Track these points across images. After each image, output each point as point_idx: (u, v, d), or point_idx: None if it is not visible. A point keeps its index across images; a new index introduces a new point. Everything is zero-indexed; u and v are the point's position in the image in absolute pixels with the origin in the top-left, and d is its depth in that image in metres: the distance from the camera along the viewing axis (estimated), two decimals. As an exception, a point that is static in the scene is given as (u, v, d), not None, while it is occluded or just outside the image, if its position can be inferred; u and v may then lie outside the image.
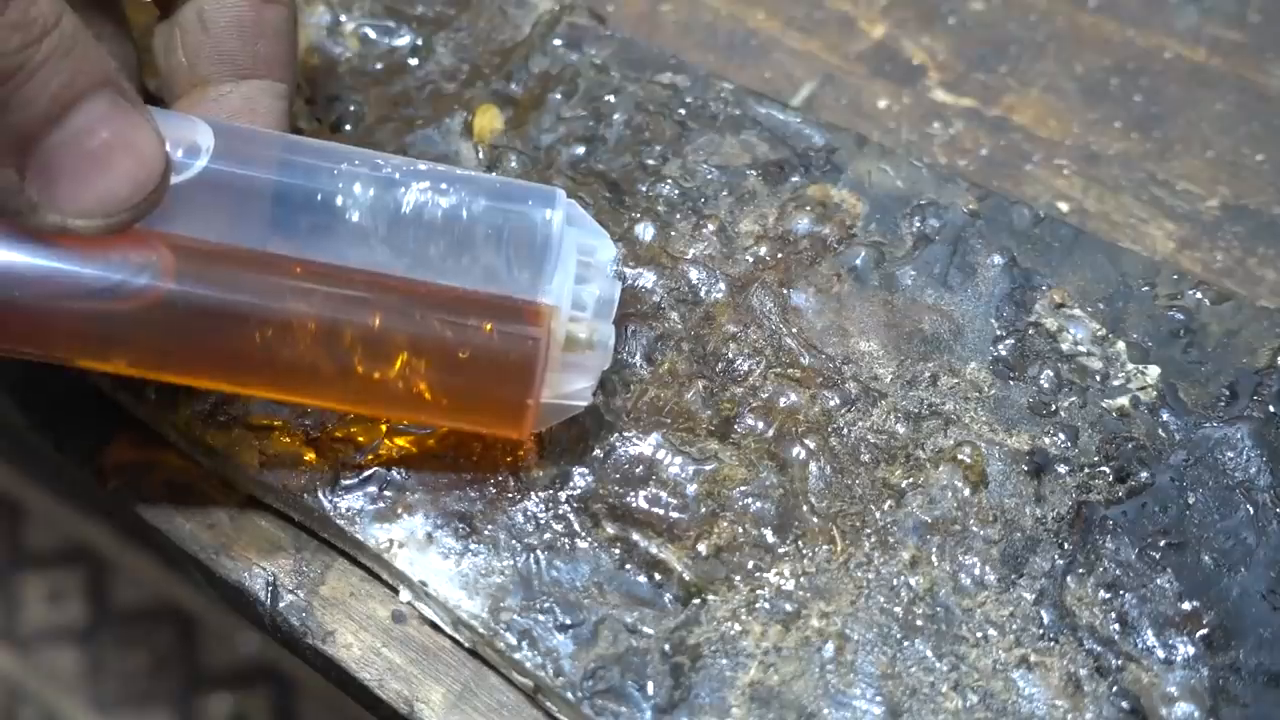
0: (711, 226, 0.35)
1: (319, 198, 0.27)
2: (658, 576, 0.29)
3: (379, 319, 0.28)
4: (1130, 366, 0.32)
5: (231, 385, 0.29)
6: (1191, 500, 0.30)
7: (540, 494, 0.31)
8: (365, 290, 0.28)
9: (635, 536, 0.30)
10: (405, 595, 0.31)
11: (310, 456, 0.31)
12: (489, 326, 0.28)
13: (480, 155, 0.37)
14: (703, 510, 0.30)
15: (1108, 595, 0.29)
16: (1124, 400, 0.32)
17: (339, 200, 0.28)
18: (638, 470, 0.31)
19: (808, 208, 0.35)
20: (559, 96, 0.38)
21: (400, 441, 0.31)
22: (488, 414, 0.29)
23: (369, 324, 0.28)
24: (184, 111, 0.29)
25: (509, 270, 0.28)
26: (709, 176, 0.36)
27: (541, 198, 0.29)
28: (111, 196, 0.25)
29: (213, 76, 0.30)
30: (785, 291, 0.34)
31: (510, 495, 0.31)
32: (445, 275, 0.28)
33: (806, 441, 0.31)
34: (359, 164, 0.28)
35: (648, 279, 0.34)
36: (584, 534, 0.30)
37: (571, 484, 0.31)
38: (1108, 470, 0.31)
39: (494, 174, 0.35)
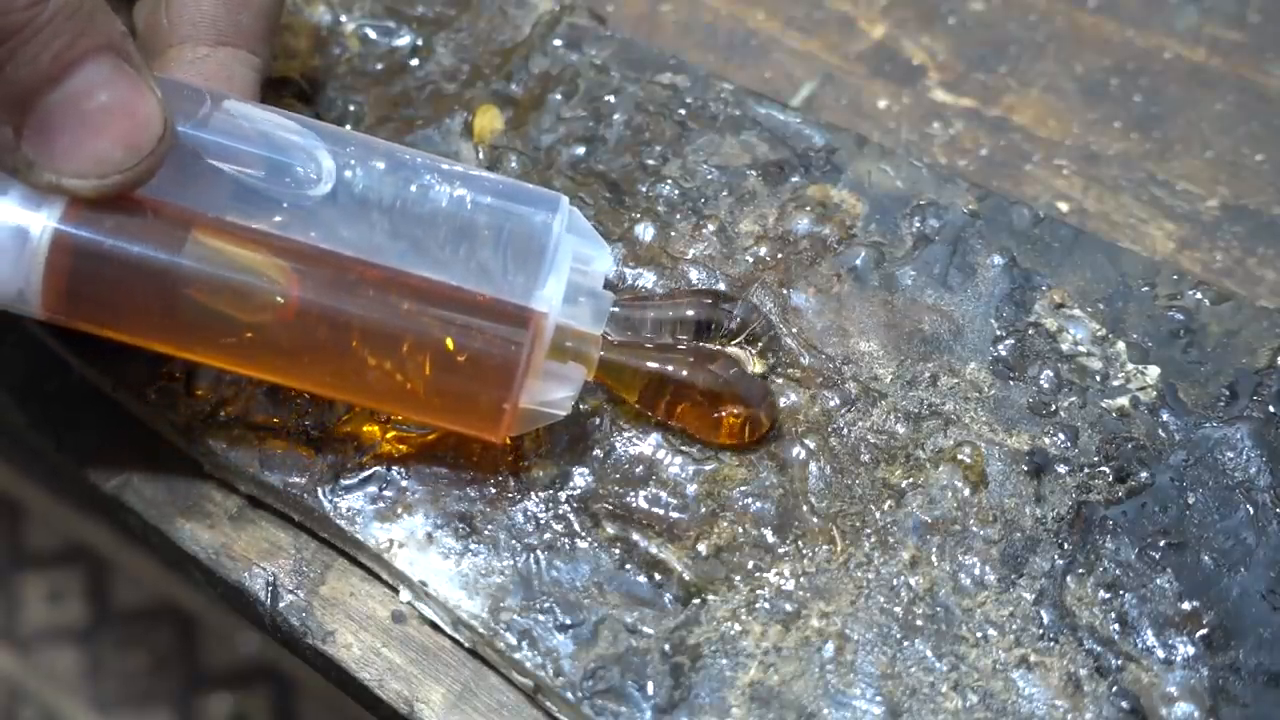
0: (711, 226, 0.35)
1: (323, 170, 0.28)
2: (658, 576, 0.29)
3: (373, 307, 0.28)
4: (1130, 366, 0.32)
5: (215, 359, 0.30)
6: (1191, 500, 0.30)
7: (540, 494, 0.31)
8: (359, 277, 0.28)
9: (635, 536, 0.30)
10: (405, 595, 0.31)
11: (310, 456, 0.31)
12: (475, 325, 0.28)
13: (480, 155, 0.37)
14: (703, 510, 0.30)
15: (1108, 595, 0.29)
16: (1124, 400, 0.32)
17: (346, 175, 0.28)
18: (638, 470, 0.31)
19: (808, 208, 0.35)
20: (559, 96, 0.38)
21: (401, 445, 0.31)
22: (465, 413, 0.29)
23: (364, 312, 0.28)
24: (159, 71, 0.30)
25: (503, 271, 0.28)
26: (709, 176, 0.36)
27: (544, 202, 0.29)
28: (106, 158, 0.25)
29: (190, 38, 0.30)
30: (785, 291, 0.34)
31: (510, 495, 0.31)
32: (439, 266, 0.28)
33: (806, 441, 0.31)
34: (370, 146, 0.29)
35: (648, 279, 0.34)
36: (584, 534, 0.30)
37: (571, 484, 0.31)
38: (1108, 470, 0.31)
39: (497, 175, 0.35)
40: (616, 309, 0.32)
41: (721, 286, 0.34)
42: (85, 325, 0.28)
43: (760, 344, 0.32)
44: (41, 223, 0.26)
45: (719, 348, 0.32)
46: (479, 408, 0.29)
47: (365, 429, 0.32)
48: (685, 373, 0.30)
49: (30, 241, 0.26)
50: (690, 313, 0.32)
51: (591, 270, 0.29)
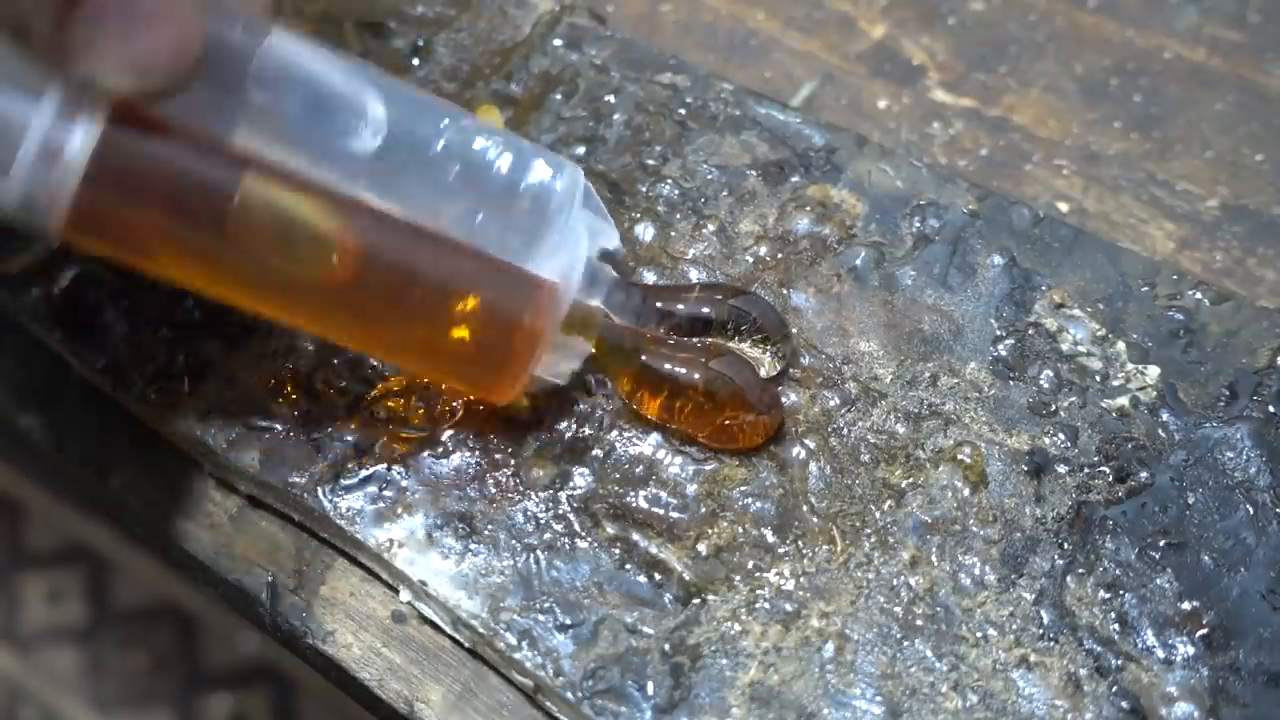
0: (711, 226, 0.35)
1: (375, 120, 0.28)
2: (658, 576, 0.29)
3: (408, 267, 0.28)
4: (1130, 366, 0.32)
5: (231, 298, 0.29)
6: (1191, 500, 0.30)
7: (540, 494, 0.31)
8: (399, 236, 0.28)
9: (635, 536, 0.30)
10: (405, 595, 0.31)
11: (310, 456, 0.31)
12: (496, 292, 0.28)
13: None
14: (703, 510, 0.30)
15: (1108, 595, 0.29)
16: (1124, 400, 0.32)
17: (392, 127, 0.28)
18: (638, 470, 0.31)
19: (808, 208, 0.35)
20: (559, 96, 0.38)
21: (401, 446, 0.31)
22: (477, 376, 0.30)
23: (399, 272, 0.28)
24: None
25: (523, 241, 0.28)
26: (709, 176, 0.36)
27: (566, 176, 0.29)
28: (148, 62, 0.25)
29: None
30: (785, 291, 0.34)
31: (510, 495, 0.31)
32: (469, 230, 0.28)
33: (806, 441, 0.31)
34: (413, 102, 0.29)
35: (648, 279, 0.34)
36: (584, 534, 0.30)
37: (571, 484, 0.31)
38: (1108, 470, 0.31)
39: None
40: (624, 296, 0.32)
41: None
42: (101, 245, 0.28)
43: (775, 345, 0.32)
44: (78, 133, 0.26)
45: (729, 344, 0.32)
46: (492, 372, 0.29)
47: (366, 431, 0.32)
48: (684, 370, 0.30)
49: (64, 149, 0.26)
50: (682, 308, 0.32)
51: (599, 245, 0.30)
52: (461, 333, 0.28)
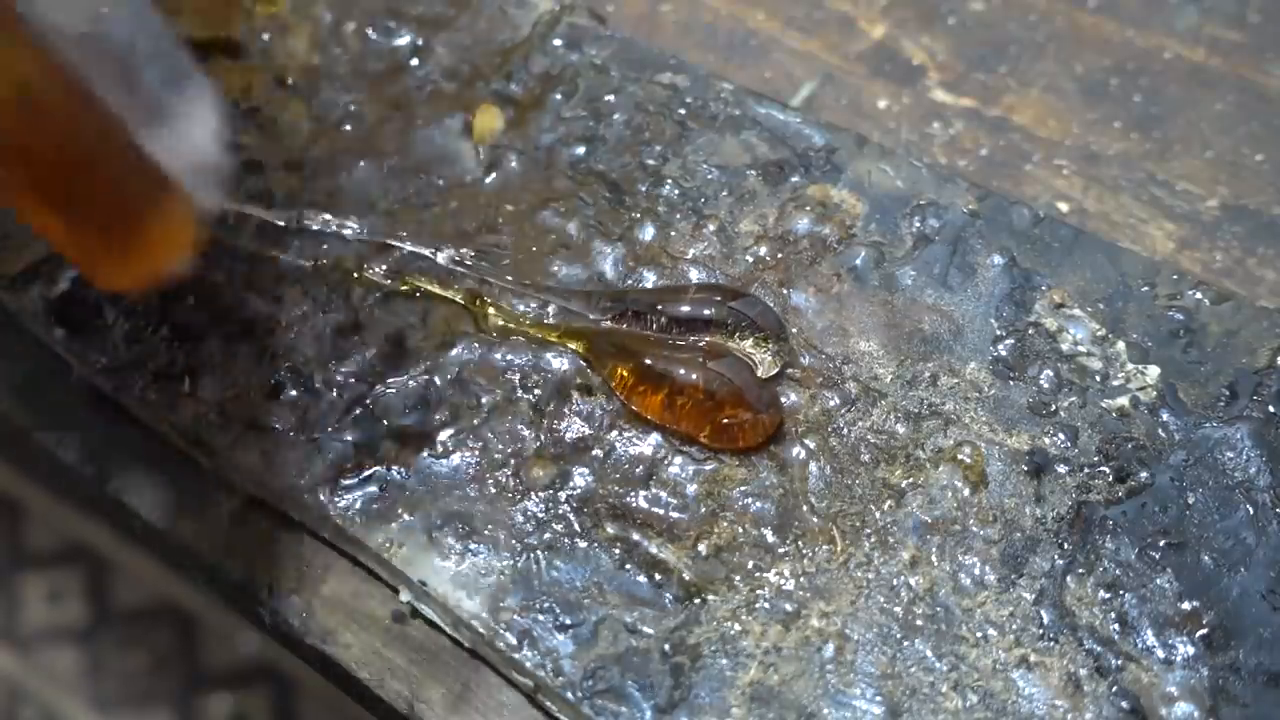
0: (711, 226, 0.35)
1: None
2: (658, 576, 0.29)
3: (62, 100, 0.27)
4: (1130, 366, 0.32)
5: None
6: (1191, 500, 0.30)
7: (540, 494, 0.31)
8: (58, 74, 0.26)
9: (635, 536, 0.30)
10: (405, 595, 0.31)
11: (310, 456, 0.31)
12: (135, 179, 0.28)
13: (480, 155, 0.37)
14: (703, 510, 0.30)
15: (1108, 595, 0.29)
16: (1124, 400, 0.32)
17: None
18: (638, 470, 0.31)
19: (808, 208, 0.35)
20: (559, 96, 0.38)
21: (401, 446, 0.31)
22: (89, 248, 0.29)
23: (54, 114, 0.27)
24: None
25: (171, 144, 0.28)
26: (709, 176, 0.36)
27: (206, 102, 0.29)
28: None
29: None
30: (785, 291, 0.34)
31: (510, 495, 0.31)
32: (124, 105, 0.27)
33: (806, 441, 0.31)
34: None
35: (648, 279, 0.34)
36: (584, 534, 0.30)
37: (571, 484, 0.31)
38: (1108, 470, 0.31)
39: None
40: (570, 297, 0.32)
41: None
42: None
43: (773, 345, 0.32)
44: None
45: (728, 344, 0.32)
46: (105, 254, 0.29)
47: (365, 442, 0.32)
48: (684, 370, 0.30)
49: None
50: (686, 308, 0.32)
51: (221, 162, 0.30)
52: (89, 203, 0.28)
